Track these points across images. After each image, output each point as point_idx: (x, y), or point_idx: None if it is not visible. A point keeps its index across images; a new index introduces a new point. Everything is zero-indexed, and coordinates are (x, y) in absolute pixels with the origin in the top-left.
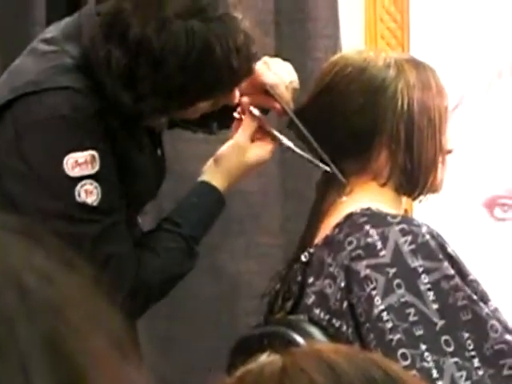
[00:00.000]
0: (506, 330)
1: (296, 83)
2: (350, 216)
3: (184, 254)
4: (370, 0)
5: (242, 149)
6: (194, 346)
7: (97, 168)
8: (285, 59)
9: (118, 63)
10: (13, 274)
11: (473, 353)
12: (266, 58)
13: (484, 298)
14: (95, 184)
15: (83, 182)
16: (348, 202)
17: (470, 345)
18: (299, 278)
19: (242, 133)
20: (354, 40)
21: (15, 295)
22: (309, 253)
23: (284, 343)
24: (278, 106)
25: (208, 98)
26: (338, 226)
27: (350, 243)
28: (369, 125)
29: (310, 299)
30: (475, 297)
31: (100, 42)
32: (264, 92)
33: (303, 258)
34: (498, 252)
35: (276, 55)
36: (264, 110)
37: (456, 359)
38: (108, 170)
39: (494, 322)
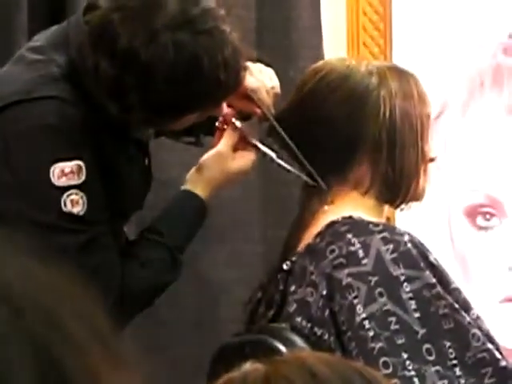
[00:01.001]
0: (488, 338)
1: (277, 89)
2: (331, 225)
3: (168, 264)
4: (353, 9)
5: (223, 158)
6: (176, 353)
7: (83, 178)
8: (268, 66)
9: (105, 74)
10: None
11: (454, 361)
12: (247, 64)
13: (466, 307)
14: (81, 194)
15: (69, 192)
16: (330, 211)
17: (451, 353)
18: (281, 287)
19: (224, 142)
20: (337, 49)
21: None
22: (291, 261)
23: (266, 351)
24: (258, 110)
25: (195, 110)
26: (319, 234)
27: (332, 251)
28: (351, 133)
29: (292, 307)
30: (457, 305)
31: (87, 52)
32: (245, 97)
33: (285, 267)
34: (480, 260)
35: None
36: (246, 117)
37: (437, 368)
38: (94, 180)
39: (475, 330)
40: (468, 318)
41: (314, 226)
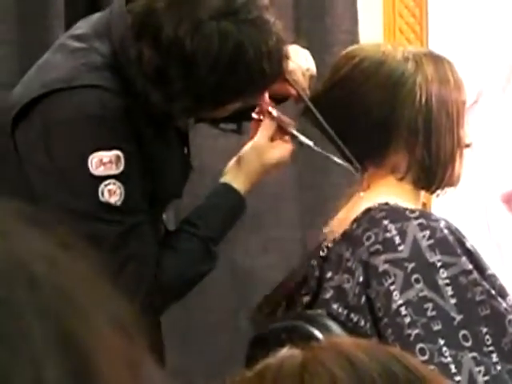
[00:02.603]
0: None
1: (313, 70)
2: (368, 211)
3: (202, 255)
4: None
5: (262, 150)
6: (211, 340)
7: (121, 168)
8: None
9: (149, 63)
10: (21, 264)
11: (491, 348)
12: None
13: (502, 293)
14: (119, 184)
15: (107, 182)
16: (366, 197)
17: (488, 340)
18: (317, 273)
19: (261, 134)
20: (373, 35)
21: (25, 287)
22: (327, 248)
23: (302, 338)
24: (294, 92)
25: (238, 99)
26: (356, 221)
27: (369, 238)
28: (387, 119)
29: (328, 294)
30: (493, 292)
31: (131, 41)
32: (281, 78)
33: (321, 253)
34: None
35: None
36: (282, 99)
37: (474, 354)
38: (132, 171)
39: None
40: (504, 305)
41: (350, 211)
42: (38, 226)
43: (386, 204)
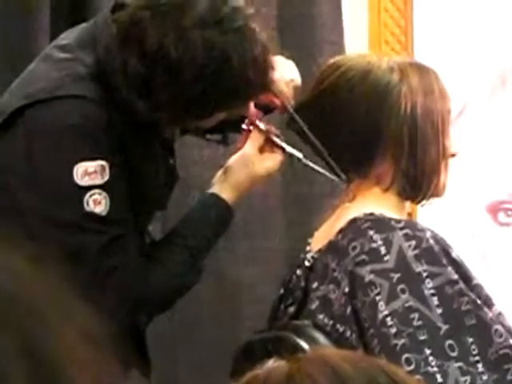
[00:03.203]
0: (510, 334)
1: (298, 81)
2: (353, 221)
3: (189, 267)
4: (374, 5)
5: (250, 160)
6: (196, 349)
7: (106, 178)
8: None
9: (134, 72)
10: None
11: (477, 358)
12: None
13: (488, 303)
14: (104, 194)
15: (92, 192)
16: (351, 208)
17: (474, 349)
18: (302, 284)
19: (250, 145)
20: (358, 46)
21: None
22: (313, 258)
23: (289, 348)
24: (278, 102)
25: (224, 108)
26: (341, 231)
27: (354, 248)
28: (372, 129)
29: (314, 304)
30: (479, 301)
31: (116, 51)
32: (266, 88)
33: (307, 263)
34: (501, 257)
35: None
36: (268, 110)
37: (460, 364)
38: (117, 181)
39: (498, 326)
40: (490, 314)
41: (335, 222)
42: (5, 240)
43: (372, 214)
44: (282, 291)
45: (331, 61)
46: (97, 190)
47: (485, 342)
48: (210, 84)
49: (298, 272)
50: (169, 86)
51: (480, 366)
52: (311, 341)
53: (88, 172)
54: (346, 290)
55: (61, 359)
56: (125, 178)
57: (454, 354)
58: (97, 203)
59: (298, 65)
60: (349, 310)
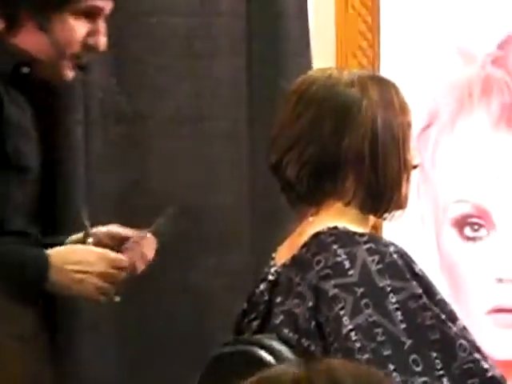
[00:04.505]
0: (475, 349)
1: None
2: (317, 235)
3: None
4: (341, 19)
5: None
6: (164, 362)
7: None
8: (256, 77)
9: None
10: None
11: (441, 372)
12: None
13: (452, 318)
14: None
15: None
16: (315, 222)
17: (438, 364)
18: (266, 298)
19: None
20: (326, 59)
21: None
22: (276, 272)
23: (254, 362)
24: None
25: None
26: (305, 245)
27: (318, 263)
28: (336, 146)
29: (279, 319)
30: (443, 316)
31: None
32: None
33: (270, 277)
34: (467, 271)
35: (248, 73)
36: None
37: (425, 379)
38: None
39: (462, 341)
40: (454, 329)
41: (299, 236)
42: None
43: (335, 228)
44: (245, 306)
45: (293, 86)
46: None
47: (449, 356)
48: None
49: (262, 286)
50: None
51: (445, 381)
52: (276, 355)
53: None
54: (310, 304)
55: None
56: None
57: (419, 369)
58: None
59: (264, 77)
60: (313, 324)
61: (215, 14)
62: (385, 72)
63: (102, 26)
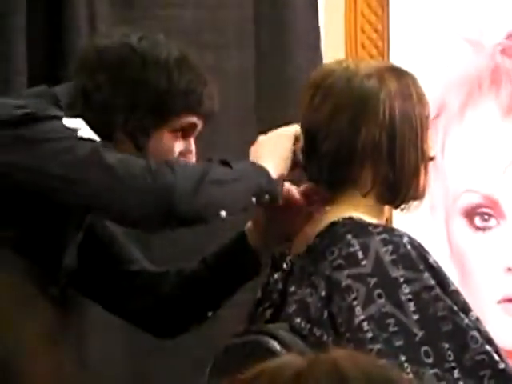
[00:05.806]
0: (487, 340)
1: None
2: (331, 226)
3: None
4: (351, 10)
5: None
6: (175, 352)
7: None
8: (266, 66)
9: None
10: None
11: (453, 364)
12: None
13: (465, 309)
14: None
15: None
16: (330, 212)
17: (450, 356)
18: (280, 287)
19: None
20: (335, 50)
21: None
22: (291, 261)
23: (264, 352)
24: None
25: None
26: (319, 235)
27: (332, 253)
28: (353, 137)
29: (292, 308)
30: (456, 307)
31: None
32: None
33: (285, 267)
34: (478, 261)
35: (257, 63)
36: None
37: (436, 370)
38: None
39: (474, 332)
40: (467, 320)
41: (314, 226)
42: None
43: (350, 219)
44: (259, 295)
45: (311, 79)
46: None
47: (461, 347)
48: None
49: (276, 275)
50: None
51: (456, 372)
52: (287, 344)
53: None
54: (323, 294)
55: (17, 354)
56: None
57: (430, 360)
58: None
59: (274, 68)
60: (325, 314)
61: (223, 5)
62: (394, 62)
63: (193, 145)
